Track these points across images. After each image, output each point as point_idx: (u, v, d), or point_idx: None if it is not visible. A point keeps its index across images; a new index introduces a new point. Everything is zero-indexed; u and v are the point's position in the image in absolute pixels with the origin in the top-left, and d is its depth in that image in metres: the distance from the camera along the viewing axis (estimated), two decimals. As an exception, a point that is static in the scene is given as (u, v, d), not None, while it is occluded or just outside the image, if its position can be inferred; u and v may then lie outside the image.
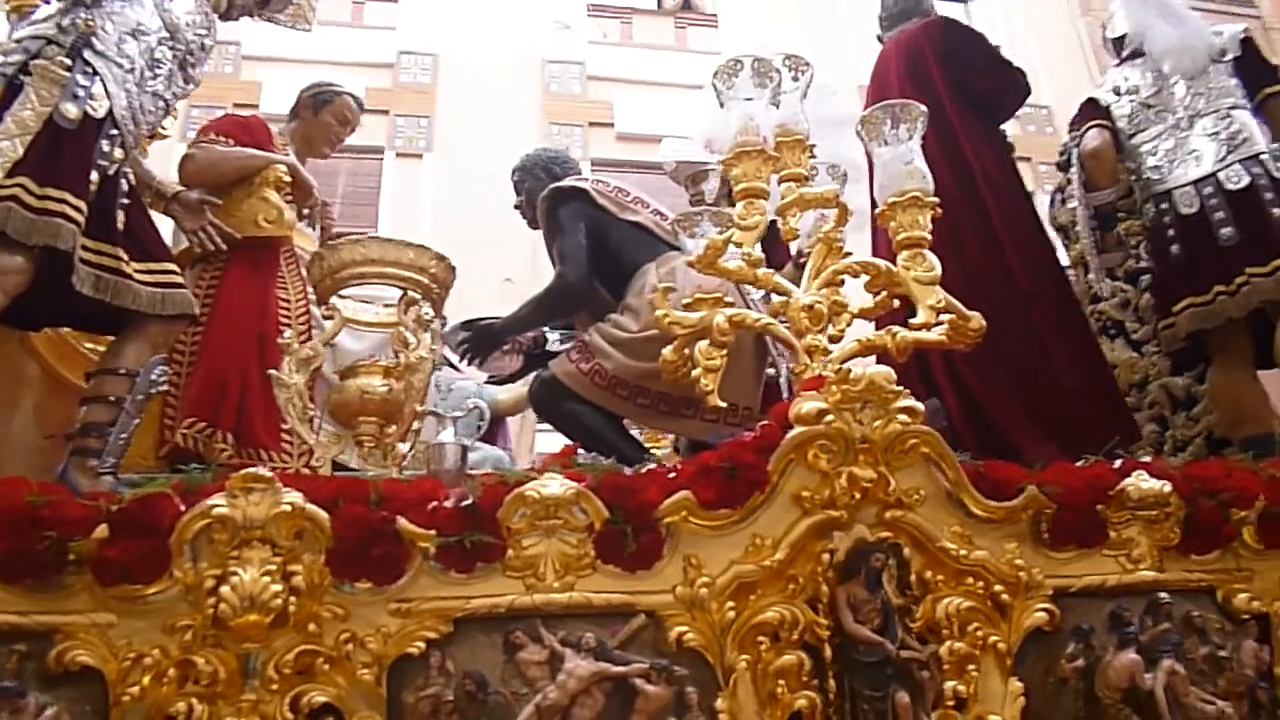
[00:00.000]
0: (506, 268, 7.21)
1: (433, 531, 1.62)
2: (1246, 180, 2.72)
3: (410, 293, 2.08)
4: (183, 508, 1.57)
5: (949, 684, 1.73)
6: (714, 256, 2.03)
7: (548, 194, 2.76)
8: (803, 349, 2.00)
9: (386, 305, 2.43)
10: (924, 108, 2.02)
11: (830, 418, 1.77)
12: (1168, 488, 1.93)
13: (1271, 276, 2.62)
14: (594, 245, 2.70)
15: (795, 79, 2.23)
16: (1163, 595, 1.88)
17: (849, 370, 1.80)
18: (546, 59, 9.94)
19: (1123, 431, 2.50)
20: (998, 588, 1.82)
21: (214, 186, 2.66)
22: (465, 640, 1.61)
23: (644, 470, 1.82)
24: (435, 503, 1.64)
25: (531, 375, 3.05)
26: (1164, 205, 2.88)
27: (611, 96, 9.88)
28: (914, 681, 1.66)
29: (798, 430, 1.77)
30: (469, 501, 1.64)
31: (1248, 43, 2.95)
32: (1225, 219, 2.71)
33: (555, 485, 1.67)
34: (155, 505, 1.57)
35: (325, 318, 2.18)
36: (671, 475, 1.76)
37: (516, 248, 8.28)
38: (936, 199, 1.97)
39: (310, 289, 2.77)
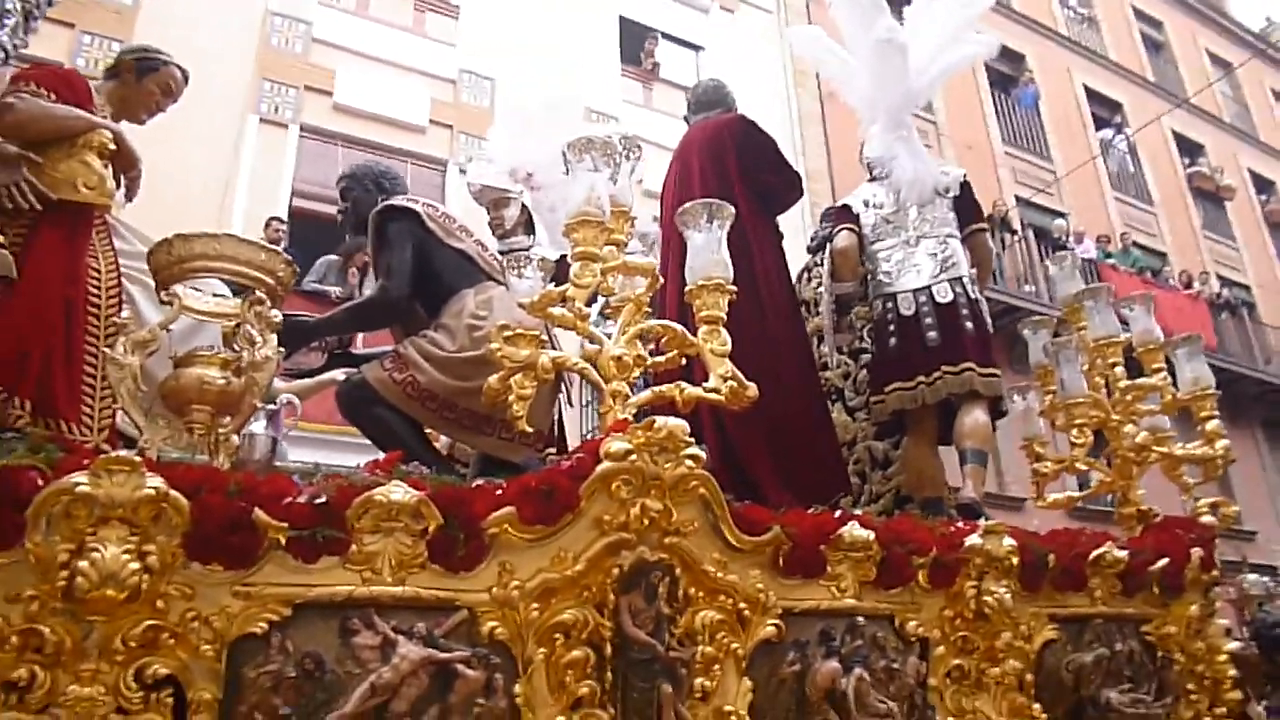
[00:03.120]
0: (183, 216, 6.72)
1: (286, 524, 1.80)
2: (951, 296, 3.44)
3: (258, 292, 2.19)
4: (40, 482, 1.65)
5: (698, 680, 2.14)
6: (546, 303, 2.35)
7: (382, 209, 2.93)
8: (609, 393, 2.35)
9: (216, 295, 2.49)
10: (733, 209, 2.45)
11: (634, 457, 2.12)
12: (872, 536, 2.47)
13: (959, 375, 3.34)
14: (418, 264, 2.90)
15: (628, 158, 2.60)
16: (859, 619, 2.42)
17: (654, 420, 2.17)
18: (270, 9, 9.35)
19: (843, 487, 3.10)
20: (742, 605, 2.26)
21: (30, 141, 2.58)
22: (304, 624, 1.79)
23: (474, 484, 2.09)
24: (290, 498, 1.81)
25: (330, 374, 3.20)
26: (889, 304, 3.55)
27: (335, 64, 9.44)
28: (675, 677, 2.05)
29: (607, 465, 2.10)
30: (322, 500, 1.83)
31: (966, 185, 3.70)
32: (932, 324, 3.41)
33: (400, 492, 1.90)
34: (15, 477, 1.63)
35: (164, 303, 2.24)
36: (499, 492, 2.04)
37: (199, 193, 7.78)
38: (735, 286, 2.40)
39: (117, 269, 2.76)
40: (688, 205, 2.45)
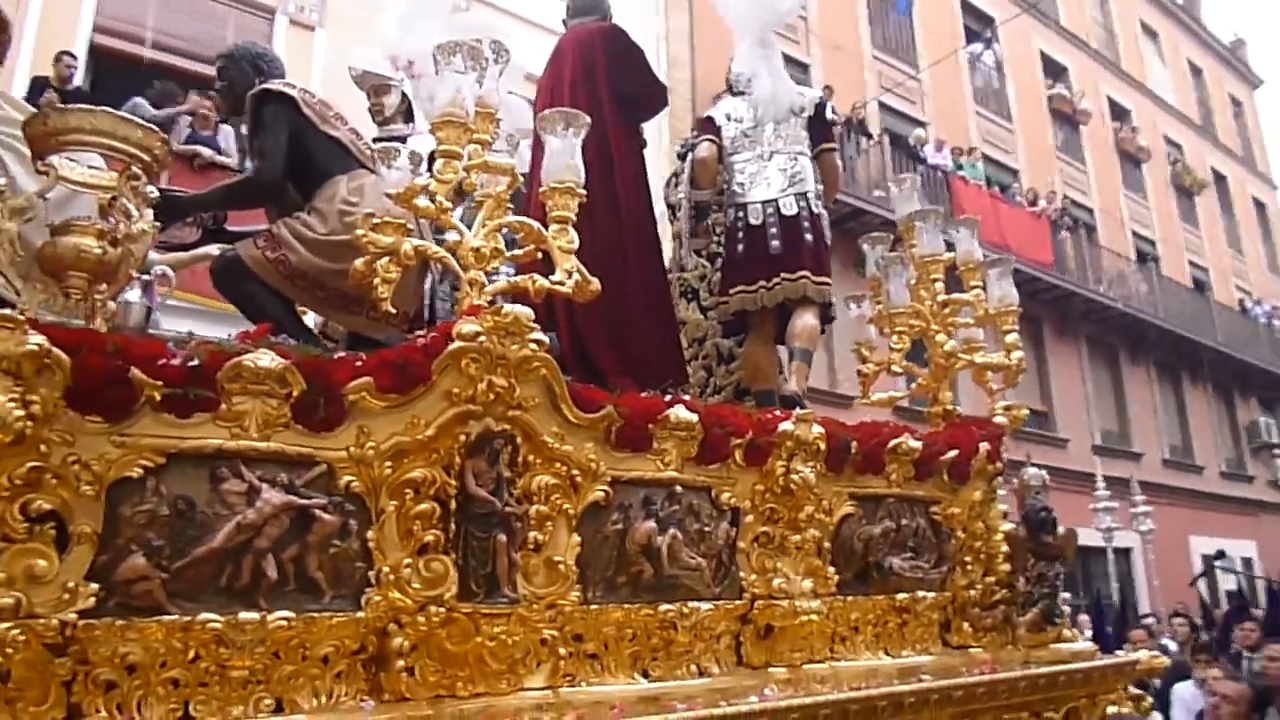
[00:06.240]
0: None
1: (160, 383, 2.01)
2: (795, 210, 3.76)
3: (134, 168, 2.33)
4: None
5: (532, 534, 2.48)
6: (411, 195, 2.56)
7: (259, 92, 3.03)
8: (466, 280, 2.60)
9: (91, 166, 2.59)
10: (589, 119, 2.68)
11: (482, 338, 2.39)
12: (695, 418, 2.83)
13: (795, 282, 3.70)
14: (292, 148, 3.04)
15: (497, 61, 2.79)
16: (678, 488, 2.79)
17: (502, 306, 2.44)
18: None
19: (678, 375, 3.45)
20: (575, 473, 2.59)
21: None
22: (177, 471, 2.02)
23: (337, 356, 2.33)
24: (165, 360, 2.02)
25: (204, 248, 3.34)
26: (740, 214, 3.86)
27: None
28: (510, 529, 2.37)
29: (457, 344, 2.37)
30: (195, 363, 2.05)
31: (820, 106, 4.00)
32: (776, 234, 3.74)
33: (267, 360, 2.13)
34: (-96, 329, 1.79)
35: (40, 173, 2.34)
36: (359, 364, 2.29)
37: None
38: (585, 191, 2.65)
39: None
40: (546, 113, 2.67)
